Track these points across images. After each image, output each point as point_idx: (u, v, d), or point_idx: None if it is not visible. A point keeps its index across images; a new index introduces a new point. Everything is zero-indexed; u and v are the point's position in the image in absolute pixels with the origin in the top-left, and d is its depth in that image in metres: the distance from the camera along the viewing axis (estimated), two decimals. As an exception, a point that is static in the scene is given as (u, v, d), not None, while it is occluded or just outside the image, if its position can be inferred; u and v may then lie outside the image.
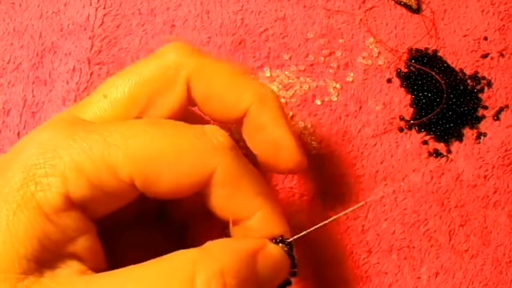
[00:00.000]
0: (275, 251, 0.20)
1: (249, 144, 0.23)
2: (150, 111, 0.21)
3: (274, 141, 0.22)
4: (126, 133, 0.18)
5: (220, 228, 0.21)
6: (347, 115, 0.34)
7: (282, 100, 0.34)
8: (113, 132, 0.18)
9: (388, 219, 0.32)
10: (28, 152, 0.18)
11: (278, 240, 0.21)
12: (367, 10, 0.37)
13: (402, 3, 0.37)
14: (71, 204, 0.17)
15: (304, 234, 0.22)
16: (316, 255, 0.31)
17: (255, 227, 0.20)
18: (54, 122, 0.19)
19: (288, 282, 0.21)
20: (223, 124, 0.23)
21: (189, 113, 0.23)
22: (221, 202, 0.20)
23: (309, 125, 0.33)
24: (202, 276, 0.17)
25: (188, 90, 0.21)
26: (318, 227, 0.22)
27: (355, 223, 0.31)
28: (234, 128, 0.24)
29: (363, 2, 0.37)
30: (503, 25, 0.37)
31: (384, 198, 0.32)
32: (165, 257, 0.17)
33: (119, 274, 0.17)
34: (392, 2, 0.37)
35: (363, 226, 0.31)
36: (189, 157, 0.18)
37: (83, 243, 0.18)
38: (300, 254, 0.30)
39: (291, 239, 0.21)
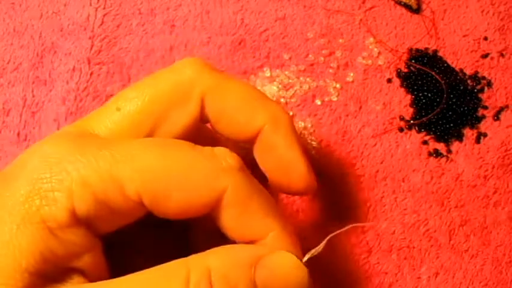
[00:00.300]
0: (283, 260, 0.19)
1: (260, 163, 0.23)
2: (163, 127, 0.21)
3: (285, 163, 0.22)
4: (134, 151, 0.18)
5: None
6: (347, 115, 0.34)
7: (282, 100, 0.34)
8: (121, 150, 0.18)
9: (388, 219, 0.32)
10: (33, 164, 0.17)
11: None
12: (367, 10, 0.37)
13: (402, 3, 0.37)
14: (76, 220, 0.17)
15: (314, 254, 0.21)
16: (316, 256, 0.31)
17: (269, 246, 0.20)
18: (60, 135, 0.19)
19: None
20: (237, 143, 0.23)
21: (201, 130, 0.23)
22: (231, 223, 0.19)
23: (309, 125, 0.33)
24: (194, 280, 0.17)
25: (202, 107, 0.21)
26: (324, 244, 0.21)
27: (355, 223, 0.31)
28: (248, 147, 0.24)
29: (363, 2, 0.37)
30: (503, 25, 0.37)
31: (384, 198, 0.32)
32: (162, 265, 0.17)
33: (117, 283, 0.17)
34: (392, 2, 0.37)
35: (363, 226, 0.31)
36: (199, 177, 0.18)
37: (87, 260, 0.18)
38: (301, 254, 0.31)
39: (306, 259, 0.20)
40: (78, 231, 0.17)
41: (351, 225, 0.23)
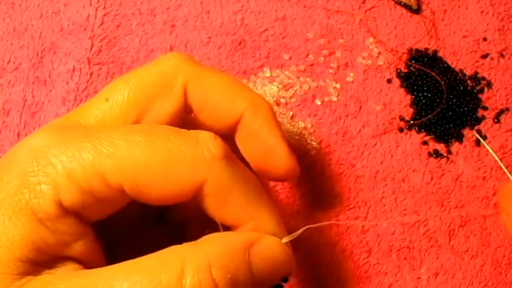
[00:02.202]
0: (271, 244, 0.20)
1: (242, 151, 0.23)
2: (148, 115, 0.22)
3: (266, 148, 0.23)
4: (116, 141, 0.18)
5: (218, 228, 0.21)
6: (347, 115, 0.34)
7: (282, 100, 0.34)
8: (104, 141, 0.18)
9: (388, 219, 0.32)
10: (22, 158, 0.18)
11: None
12: (367, 10, 0.37)
13: (402, 3, 0.37)
14: (65, 210, 0.18)
15: (298, 234, 0.22)
16: (316, 256, 0.31)
17: (255, 230, 0.20)
18: (48, 127, 0.20)
19: (279, 286, 0.21)
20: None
21: (187, 121, 0.23)
22: (213, 211, 0.20)
23: (309, 125, 0.33)
24: (191, 269, 0.17)
25: (185, 96, 0.22)
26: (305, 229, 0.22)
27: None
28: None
29: (363, 2, 0.37)
30: (503, 25, 0.37)
31: (384, 198, 0.32)
32: (157, 252, 0.18)
33: (112, 268, 0.17)
34: (392, 2, 0.37)
35: (363, 226, 0.31)
36: (179, 168, 0.18)
37: (80, 248, 0.18)
38: (300, 254, 0.31)
39: (285, 240, 0.21)
40: (67, 221, 0.18)
41: (328, 222, 0.23)
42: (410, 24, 0.37)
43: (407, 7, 0.37)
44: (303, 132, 0.33)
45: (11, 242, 0.17)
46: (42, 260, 0.18)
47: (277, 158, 0.23)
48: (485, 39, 0.37)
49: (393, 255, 0.31)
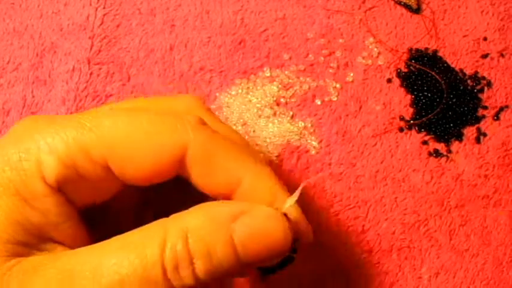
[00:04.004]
0: (260, 216, 0.18)
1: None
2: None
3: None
4: (99, 116, 0.19)
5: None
6: (347, 115, 0.34)
7: (282, 100, 0.34)
8: (87, 116, 0.19)
9: (389, 219, 0.31)
10: (4, 140, 0.18)
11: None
12: (367, 10, 0.37)
13: (402, 3, 0.37)
14: (49, 188, 0.18)
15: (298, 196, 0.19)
16: (317, 255, 0.31)
17: (246, 196, 0.19)
18: (33, 117, 0.20)
19: (289, 260, 0.19)
20: None
21: None
22: (200, 181, 0.19)
23: (309, 125, 0.33)
24: (171, 241, 0.17)
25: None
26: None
27: (355, 223, 0.31)
28: None
29: (363, 2, 0.37)
30: (503, 25, 0.37)
31: (384, 198, 0.32)
32: (144, 226, 0.18)
33: (100, 246, 0.17)
34: (392, 2, 0.37)
35: (363, 226, 0.31)
36: (159, 135, 0.19)
37: (67, 230, 0.18)
38: (301, 254, 0.30)
39: (285, 207, 0.19)
40: (53, 200, 0.18)
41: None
42: (410, 24, 0.37)
43: (407, 7, 0.37)
44: (303, 131, 0.33)
45: None
46: (31, 243, 0.18)
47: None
48: (485, 38, 0.37)
49: (394, 255, 0.31)
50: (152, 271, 0.16)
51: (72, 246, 0.19)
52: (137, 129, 0.18)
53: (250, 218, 0.17)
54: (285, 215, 0.19)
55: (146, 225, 0.18)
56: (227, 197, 0.20)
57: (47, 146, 0.18)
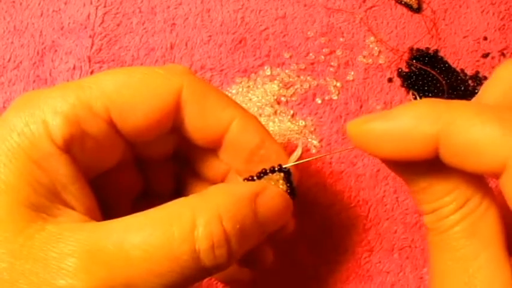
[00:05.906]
0: (276, 194, 0.21)
1: (228, 156, 0.23)
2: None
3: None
4: (97, 76, 0.20)
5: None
6: (347, 114, 0.34)
7: (283, 99, 0.34)
8: (85, 79, 0.20)
9: (390, 218, 0.31)
10: (9, 111, 0.19)
11: (276, 169, 0.21)
12: (367, 9, 0.37)
13: (403, 2, 0.37)
14: (57, 148, 0.18)
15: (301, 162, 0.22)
16: (318, 255, 0.30)
17: (236, 138, 0.21)
18: (32, 91, 0.21)
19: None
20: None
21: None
22: (194, 122, 0.21)
23: (310, 124, 0.33)
24: (202, 221, 0.17)
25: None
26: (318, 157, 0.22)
27: (356, 222, 0.31)
28: None
29: (364, 1, 0.37)
30: (504, 25, 0.37)
31: (385, 197, 0.32)
32: (166, 204, 0.18)
33: (123, 221, 0.17)
34: (393, 1, 0.37)
35: (364, 225, 0.31)
36: (155, 81, 0.20)
37: (76, 193, 0.19)
38: (302, 253, 0.30)
39: (288, 166, 0.22)
40: (60, 160, 0.18)
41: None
42: (411, 23, 0.37)
43: (408, 6, 0.37)
44: (304, 130, 0.33)
45: (10, 187, 0.17)
46: (42, 205, 0.18)
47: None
48: (485, 38, 0.37)
49: (395, 255, 0.31)
50: (179, 249, 0.17)
51: (85, 214, 0.19)
52: (134, 79, 0.20)
53: (267, 196, 0.20)
54: (288, 170, 0.22)
55: (167, 204, 0.18)
56: (217, 143, 0.22)
57: (50, 108, 0.18)
